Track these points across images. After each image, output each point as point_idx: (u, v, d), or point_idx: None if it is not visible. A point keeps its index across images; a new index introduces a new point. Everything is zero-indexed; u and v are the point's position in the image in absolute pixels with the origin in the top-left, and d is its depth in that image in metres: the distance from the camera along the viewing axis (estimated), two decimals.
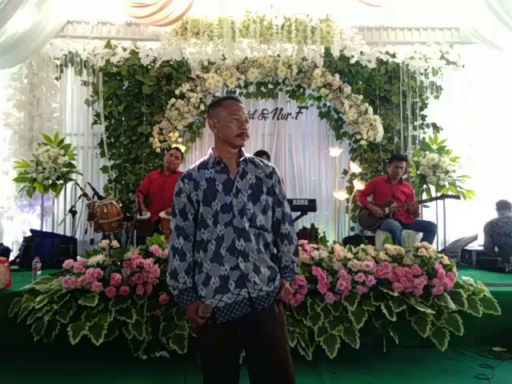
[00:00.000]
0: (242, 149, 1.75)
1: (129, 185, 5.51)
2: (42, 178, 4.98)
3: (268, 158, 4.81)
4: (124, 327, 2.82)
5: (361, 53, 5.61)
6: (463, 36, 5.75)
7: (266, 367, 1.61)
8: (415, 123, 5.72)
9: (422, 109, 5.75)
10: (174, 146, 5.19)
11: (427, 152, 5.36)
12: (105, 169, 5.62)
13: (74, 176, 5.33)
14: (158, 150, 5.43)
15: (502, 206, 4.74)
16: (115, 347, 2.81)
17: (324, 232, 4.71)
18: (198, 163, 1.76)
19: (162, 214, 4.21)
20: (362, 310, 2.91)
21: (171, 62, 5.54)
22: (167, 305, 2.92)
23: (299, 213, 4.94)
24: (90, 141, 5.78)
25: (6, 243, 4.99)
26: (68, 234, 5.14)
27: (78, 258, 4.21)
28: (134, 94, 5.54)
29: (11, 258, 4.66)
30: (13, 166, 5.27)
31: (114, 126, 5.60)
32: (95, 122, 5.67)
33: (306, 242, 3.38)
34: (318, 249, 3.23)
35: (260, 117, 5.85)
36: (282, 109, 5.84)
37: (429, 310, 2.91)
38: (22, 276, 3.66)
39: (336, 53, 5.55)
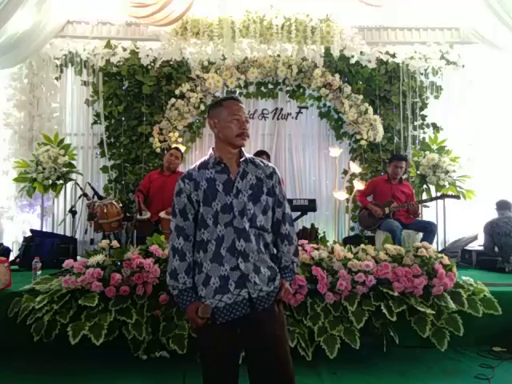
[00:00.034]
0: (243, 149, 1.75)
1: (129, 185, 5.52)
2: (42, 178, 4.98)
3: (268, 157, 4.81)
4: (124, 327, 2.82)
5: (361, 53, 5.61)
6: (463, 36, 5.75)
7: (266, 367, 1.61)
8: (415, 123, 5.72)
9: (421, 109, 5.75)
10: (173, 145, 5.19)
11: (427, 152, 5.37)
12: (105, 169, 5.62)
13: (74, 176, 5.33)
14: (158, 150, 5.43)
15: (502, 205, 4.74)
16: (115, 347, 2.81)
17: (324, 232, 4.71)
18: (198, 163, 1.76)
19: (162, 214, 4.21)
20: (362, 310, 2.91)
21: (171, 62, 5.55)
22: (167, 305, 2.92)
23: (299, 213, 4.94)
24: (90, 141, 5.78)
25: (6, 243, 4.99)
26: (68, 233, 5.14)
27: (78, 257, 4.21)
28: (134, 94, 5.54)
29: (11, 258, 4.66)
30: (13, 165, 5.27)
31: (113, 126, 5.60)
32: (95, 122, 5.67)
33: (306, 242, 3.38)
34: (318, 249, 3.23)
35: (260, 117, 5.85)
36: (282, 109, 5.84)
37: (429, 310, 2.91)
38: (22, 276, 3.66)
39: (336, 53, 5.55)
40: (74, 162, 5.29)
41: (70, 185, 5.34)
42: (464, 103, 5.76)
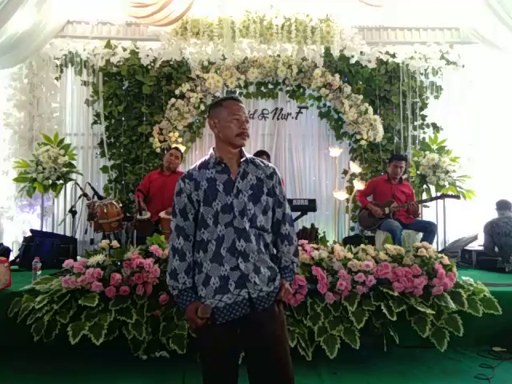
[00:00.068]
0: (243, 149, 1.75)
1: (129, 185, 5.52)
2: (42, 178, 4.98)
3: (268, 157, 4.81)
4: (124, 327, 2.82)
5: (361, 53, 5.62)
6: (463, 36, 5.75)
7: (266, 367, 1.61)
8: (415, 123, 5.72)
9: (422, 109, 5.75)
10: (173, 145, 5.19)
11: (427, 152, 5.37)
12: (105, 169, 5.62)
13: (74, 176, 5.33)
14: (158, 150, 5.43)
15: (502, 205, 4.74)
16: (115, 347, 2.81)
17: (324, 232, 4.71)
18: (198, 163, 1.76)
19: (162, 214, 4.21)
20: (362, 310, 2.91)
21: (171, 62, 5.55)
22: (167, 305, 2.92)
23: (299, 213, 4.94)
24: (90, 141, 5.78)
25: (6, 243, 4.99)
26: (68, 234, 5.14)
27: (78, 258, 4.21)
28: (134, 94, 5.54)
29: (11, 257, 4.66)
30: (13, 165, 5.27)
31: (114, 126, 5.60)
32: (95, 122, 5.67)
33: (306, 242, 3.38)
34: (318, 249, 3.23)
35: (260, 117, 5.85)
36: (282, 109, 5.84)
37: (429, 310, 2.91)
38: (22, 276, 3.66)
39: (336, 53, 5.55)
40: (74, 162, 5.29)
41: (70, 185, 5.35)
42: (464, 103, 5.76)
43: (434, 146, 5.40)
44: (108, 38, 5.66)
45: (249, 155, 1.77)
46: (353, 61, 5.57)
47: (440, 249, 5.07)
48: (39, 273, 3.43)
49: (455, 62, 5.73)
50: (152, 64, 5.53)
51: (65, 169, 5.12)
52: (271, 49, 5.53)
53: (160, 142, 5.43)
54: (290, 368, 1.64)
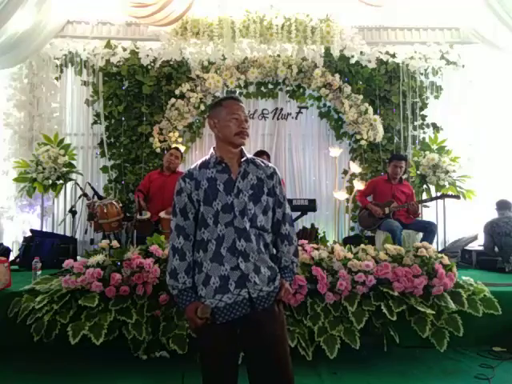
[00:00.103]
0: (244, 149, 1.75)
1: (129, 185, 5.52)
2: (42, 178, 4.98)
3: (268, 157, 4.81)
4: (124, 327, 2.82)
5: (361, 53, 5.62)
6: (463, 36, 5.75)
7: (266, 367, 1.61)
8: (415, 123, 5.72)
9: (421, 109, 5.75)
10: (173, 145, 5.19)
11: (427, 152, 5.37)
12: (105, 169, 5.62)
13: (74, 176, 5.33)
14: (158, 150, 5.43)
15: (502, 205, 4.74)
16: (115, 347, 2.81)
17: (324, 232, 4.71)
18: (199, 162, 1.75)
19: (162, 214, 4.21)
20: (362, 310, 2.91)
21: (171, 62, 5.55)
22: (167, 305, 2.92)
23: (299, 213, 4.94)
24: (90, 141, 5.78)
25: (6, 243, 4.99)
26: (68, 234, 5.14)
27: (78, 258, 4.21)
28: (134, 94, 5.54)
29: (11, 258, 4.66)
30: (13, 165, 5.27)
31: (114, 126, 5.60)
32: (95, 122, 5.67)
33: (306, 241, 3.38)
34: (318, 249, 3.23)
35: (260, 117, 5.85)
36: (282, 109, 5.84)
37: (429, 310, 2.91)
38: (22, 276, 3.66)
39: (336, 53, 5.55)
40: (74, 162, 5.29)
41: (70, 185, 5.35)
42: (464, 103, 5.76)
43: (434, 146, 5.40)
44: (108, 38, 5.66)
45: (249, 155, 1.77)
46: (353, 61, 5.57)
47: (440, 249, 5.07)
48: (39, 273, 3.43)
49: (455, 62, 5.73)
50: (152, 64, 5.53)
51: (65, 169, 5.12)
52: (271, 49, 5.53)
53: (160, 141, 5.43)
54: (289, 368, 1.64)
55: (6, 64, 5.13)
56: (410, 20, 5.76)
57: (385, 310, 2.86)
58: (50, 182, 5.04)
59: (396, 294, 2.95)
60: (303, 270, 3.02)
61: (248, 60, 5.55)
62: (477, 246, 5.00)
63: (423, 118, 5.75)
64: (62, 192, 5.32)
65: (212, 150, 1.76)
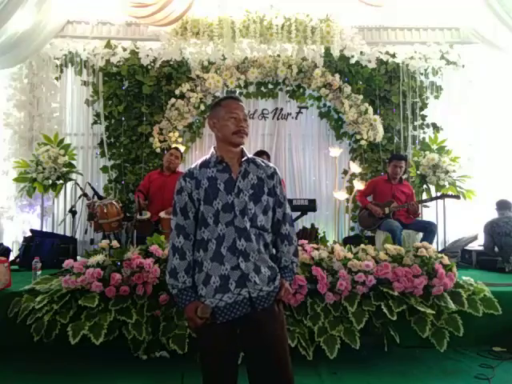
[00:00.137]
0: (244, 149, 1.75)
1: (129, 185, 5.52)
2: (42, 178, 4.98)
3: (268, 157, 4.81)
4: (124, 327, 2.82)
5: (361, 53, 5.62)
6: (463, 36, 5.76)
7: (266, 367, 1.61)
8: (415, 123, 5.72)
9: (421, 109, 5.76)
10: (173, 145, 5.19)
11: (427, 152, 5.37)
12: (105, 169, 5.62)
13: (74, 176, 5.33)
14: (158, 150, 5.43)
15: (502, 205, 4.74)
16: (115, 347, 2.81)
17: (324, 232, 4.72)
18: (199, 162, 1.75)
19: (162, 214, 4.21)
20: (362, 311, 2.91)
21: (171, 62, 5.55)
22: (167, 305, 2.92)
23: (299, 213, 4.94)
24: (90, 141, 5.78)
25: (6, 243, 4.99)
26: (68, 234, 5.14)
27: (78, 258, 4.21)
28: (134, 94, 5.54)
29: (11, 258, 4.66)
30: (13, 165, 5.27)
31: (114, 126, 5.60)
32: (95, 122, 5.67)
33: (306, 241, 3.38)
34: (318, 249, 3.23)
35: (260, 117, 5.85)
36: (282, 109, 5.84)
37: (429, 310, 2.91)
38: (22, 276, 3.66)
39: (336, 53, 5.55)
40: (74, 162, 5.29)
41: (69, 185, 5.34)
42: (464, 103, 5.76)
43: (434, 146, 5.40)
44: (108, 38, 5.66)
45: (250, 155, 1.77)
46: (353, 61, 5.57)
47: (440, 249, 5.07)
48: (39, 273, 3.43)
49: (455, 62, 5.73)
50: (152, 64, 5.53)
51: (65, 169, 5.12)
52: (271, 49, 5.53)
53: (160, 141, 5.43)
54: (289, 368, 1.64)
55: (5, 64, 5.13)
56: (410, 20, 5.76)
57: (385, 310, 2.86)
58: (50, 181, 5.04)
59: (396, 293, 2.95)
60: (303, 269, 3.02)
61: (248, 60, 5.55)
62: (477, 246, 5.00)
63: (423, 118, 5.75)
64: (62, 192, 5.32)
65: (213, 150, 1.76)
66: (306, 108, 5.85)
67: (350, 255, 3.16)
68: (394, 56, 5.70)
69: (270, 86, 5.77)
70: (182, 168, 4.99)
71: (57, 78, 5.69)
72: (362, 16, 5.59)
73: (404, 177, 5.03)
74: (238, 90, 5.73)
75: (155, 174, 4.76)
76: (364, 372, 2.73)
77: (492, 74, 5.71)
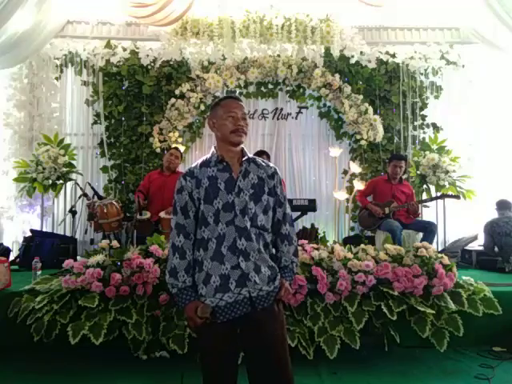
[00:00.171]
0: (245, 149, 1.75)
1: (129, 185, 5.52)
2: (42, 178, 4.98)
3: (268, 157, 4.81)
4: (124, 327, 2.82)
5: (361, 53, 5.62)
6: (463, 36, 5.76)
7: (266, 367, 1.61)
8: (415, 123, 5.72)
9: (421, 109, 5.76)
10: (173, 145, 5.19)
11: (427, 152, 5.37)
12: (105, 169, 5.62)
13: (74, 176, 5.33)
14: (158, 150, 5.43)
15: (502, 205, 4.74)
16: (115, 347, 2.81)
17: (324, 232, 4.72)
18: (200, 161, 1.75)
19: (162, 214, 4.21)
20: (362, 311, 2.91)
21: (171, 62, 5.55)
22: (167, 305, 2.92)
23: (299, 213, 4.94)
24: (90, 141, 5.78)
25: (6, 243, 4.99)
26: (68, 234, 5.14)
27: (78, 258, 4.21)
28: (134, 94, 5.54)
29: (11, 258, 4.66)
30: (13, 165, 5.27)
31: (114, 126, 5.60)
32: (95, 122, 5.67)
33: (306, 241, 3.38)
34: (318, 249, 3.23)
35: (260, 117, 5.85)
36: (282, 109, 5.84)
37: (429, 310, 2.91)
38: (22, 276, 3.66)
39: (336, 53, 5.55)
40: (74, 162, 5.29)
41: (69, 185, 5.34)
42: (464, 103, 5.76)
43: (434, 146, 5.40)
44: (108, 38, 5.67)
45: (250, 155, 1.77)
46: (353, 61, 5.57)
47: (440, 249, 5.07)
48: (39, 273, 3.43)
49: (455, 62, 5.73)
50: (152, 64, 5.53)
51: (65, 169, 5.12)
52: (271, 49, 5.53)
53: (160, 141, 5.43)
54: (289, 368, 1.64)
55: (5, 64, 5.13)
56: (410, 20, 5.76)
57: (385, 310, 2.86)
58: (50, 182, 5.04)
59: (396, 293, 2.95)
60: (303, 270, 3.02)
61: (248, 60, 5.55)
62: (477, 246, 5.00)
63: (423, 118, 5.75)
64: (62, 192, 5.31)
65: (213, 149, 1.76)
66: (306, 108, 5.85)
67: (350, 255, 3.16)
68: (393, 56, 5.70)
69: (270, 86, 5.77)
70: (181, 168, 4.99)
71: (57, 78, 5.69)
72: (362, 16, 5.59)
73: (404, 177, 5.03)
74: (238, 90, 5.73)
75: (155, 173, 4.76)
76: (364, 372, 2.73)
77: (492, 73, 5.71)
